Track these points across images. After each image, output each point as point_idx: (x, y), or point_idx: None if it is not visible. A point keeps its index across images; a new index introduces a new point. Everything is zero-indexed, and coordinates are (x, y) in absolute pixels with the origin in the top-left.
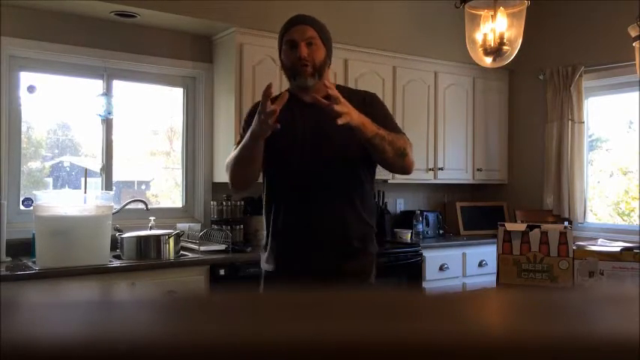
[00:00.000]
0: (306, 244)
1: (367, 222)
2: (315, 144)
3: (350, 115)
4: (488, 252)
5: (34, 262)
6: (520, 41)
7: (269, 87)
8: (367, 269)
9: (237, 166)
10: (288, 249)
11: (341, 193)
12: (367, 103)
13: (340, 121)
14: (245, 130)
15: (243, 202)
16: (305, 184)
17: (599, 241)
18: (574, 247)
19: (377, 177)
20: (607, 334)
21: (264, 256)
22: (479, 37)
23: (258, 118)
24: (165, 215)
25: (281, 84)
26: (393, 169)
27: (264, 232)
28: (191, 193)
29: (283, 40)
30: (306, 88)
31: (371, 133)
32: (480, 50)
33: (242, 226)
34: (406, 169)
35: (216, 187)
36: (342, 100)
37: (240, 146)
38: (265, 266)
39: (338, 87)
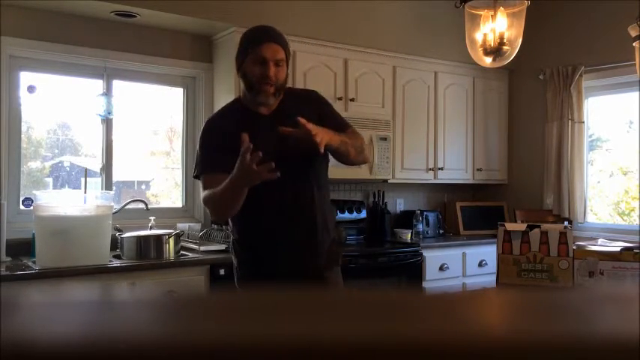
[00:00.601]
0: (289, 246)
1: (334, 214)
2: (281, 153)
3: (324, 138)
4: (488, 252)
5: (34, 262)
6: (520, 41)
7: (248, 147)
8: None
9: (222, 206)
10: (272, 253)
11: (312, 193)
12: (313, 101)
13: (322, 151)
14: (204, 154)
15: None
16: (278, 192)
17: (599, 241)
18: (574, 247)
19: (377, 177)
20: (607, 334)
21: (241, 256)
22: (479, 37)
23: (243, 171)
24: (165, 215)
25: None
26: (353, 164)
27: (234, 237)
28: (191, 193)
29: (251, 52)
30: (265, 105)
31: (336, 143)
32: (480, 50)
33: None
34: (365, 162)
35: None
36: (316, 128)
37: (222, 190)
38: (244, 269)
39: (283, 105)
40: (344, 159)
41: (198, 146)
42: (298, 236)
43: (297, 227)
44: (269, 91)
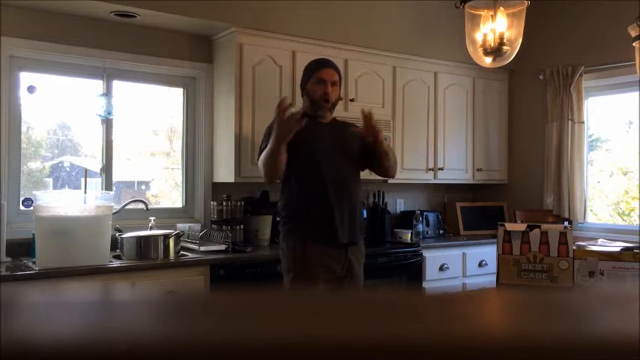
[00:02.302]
0: (337, 220)
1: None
2: (333, 152)
3: (381, 133)
4: (488, 252)
5: (34, 263)
6: (520, 41)
7: (283, 101)
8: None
9: (268, 166)
10: (325, 223)
11: (353, 187)
12: (353, 128)
13: (379, 139)
14: (265, 142)
15: (243, 203)
16: (330, 180)
17: (599, 241)
18: (574, 247)
19: (377, 177)
20: (607, 334)
21: (302, 227)
22: (479, 37)
23: (278, 126)
24: (165, 215)
25: (281, 85)
26: (386, 172)
27: (287, 214)
28: (191, 194)
29: (313, 75)
30: (320, 116)
31: (387, 146)
32: (480, 50)
33: (242, 226)
34: (394, 175)
35: (216, 187)
36: (378, 126)
37: (266, 151)
38: (302, 235)
39: (335, 120)
40: (385, 163)
41: (264, 135)
42: (345, 214)
43: (344, 207)
44: (326, 106)
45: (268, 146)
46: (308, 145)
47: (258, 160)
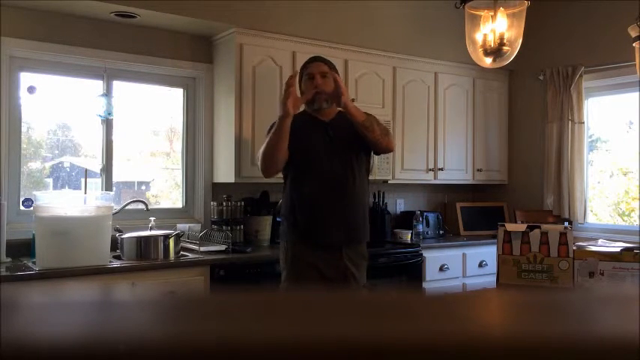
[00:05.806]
0: (326, 220)
1: (366, 215)
2: (329, 150)
3: (347, 97)
4: (488, 252)
5: (34, 263)
6: (520, 41)
7: (294, 74)
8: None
9: (270, 149)
10: (312, 223)
11: (352, 186)
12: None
13: (341, 104)
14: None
15: (243, 203)
16: (322, 179)
17: (600, 241)
18: (574, 248)
19: (377, 177)
20: (607, 334)
21: (292, 228)
22: (479, 37)
23: (284, 93)
24: (166, 215)
25: (281, 85)
26: (380, 147)
27: (282, 214)
28: (191, 194)
29: (303, 74)
30: (320, 110)
31: (362, 117)
32: (480, 51)
33: (242, 226)
34: (391, 147)
35: (216, 188)
36: (345, 91)
37: (270, 132)
38: (292, 236)
39: (341, 114)
40: (372, 135)
41: (267, 132)
42: (337, 214)
43: (335, 207)
44: (320, 98)
45: (272, 131)
46: (303, 143)
47: (258, 152)
